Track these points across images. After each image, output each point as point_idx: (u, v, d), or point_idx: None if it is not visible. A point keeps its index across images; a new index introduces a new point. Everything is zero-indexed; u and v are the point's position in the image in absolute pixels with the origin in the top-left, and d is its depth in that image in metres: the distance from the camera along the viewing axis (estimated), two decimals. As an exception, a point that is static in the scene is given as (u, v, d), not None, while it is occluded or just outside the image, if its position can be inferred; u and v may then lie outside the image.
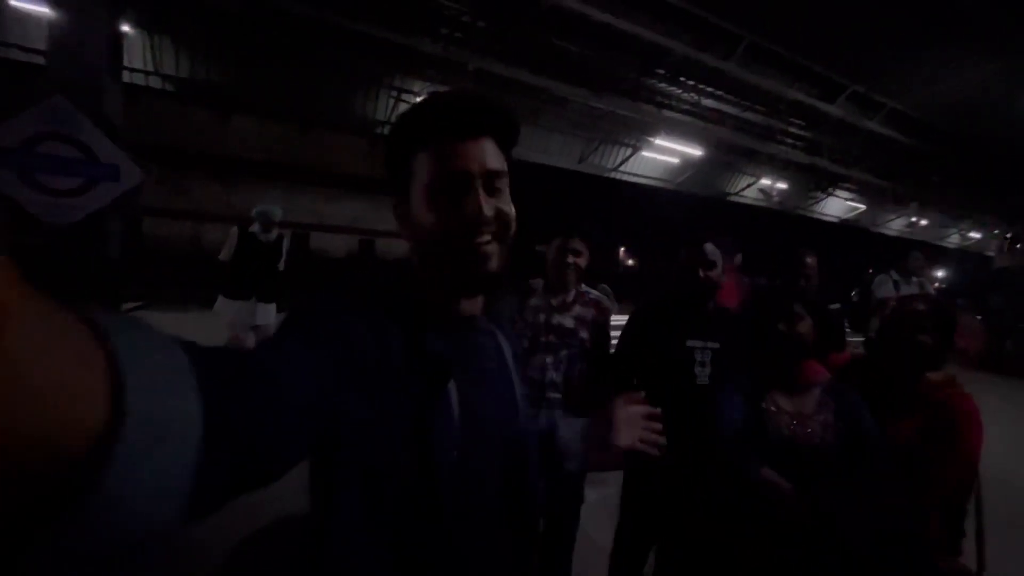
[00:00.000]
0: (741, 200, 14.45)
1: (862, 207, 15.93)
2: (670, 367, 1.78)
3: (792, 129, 10.31)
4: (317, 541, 0.61)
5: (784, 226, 16.19)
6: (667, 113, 9.33)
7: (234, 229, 4.03)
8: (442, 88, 6.40)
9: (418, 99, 0.68)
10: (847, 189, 14.65)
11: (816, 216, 16.54)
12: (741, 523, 1.47)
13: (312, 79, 8.59)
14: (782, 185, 13.11)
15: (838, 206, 16.18)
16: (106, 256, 3.66)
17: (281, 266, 4.20)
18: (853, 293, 5.18)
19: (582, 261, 2.03)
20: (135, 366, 0.30)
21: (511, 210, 0.69)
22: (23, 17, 6.03)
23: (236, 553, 2.26)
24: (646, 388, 1.78)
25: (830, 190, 14.56)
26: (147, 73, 7.58)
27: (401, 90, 9.18)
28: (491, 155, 0.66)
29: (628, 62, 7.57)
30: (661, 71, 7.91)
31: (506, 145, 0.70)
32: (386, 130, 10.06)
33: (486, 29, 6.75)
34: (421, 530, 0.60)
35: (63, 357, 0.26)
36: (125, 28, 6.17)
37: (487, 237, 0.65)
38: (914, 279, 4.60)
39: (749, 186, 13.81)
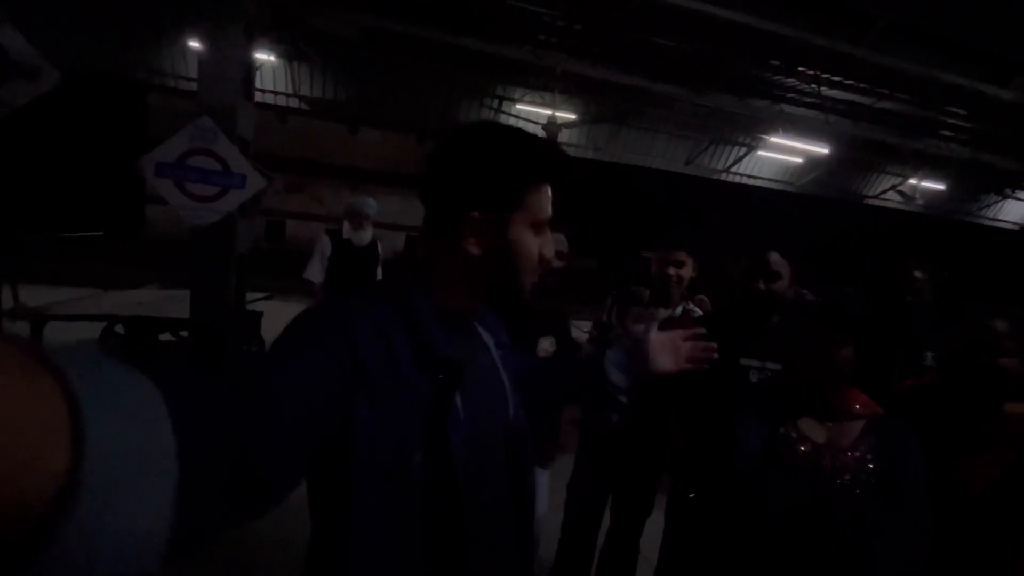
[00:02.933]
0: (881, 203, 12.55)
1: (1056, 211, 12.91)
2: (718, 388, 1.62)
3: (950, 120, 8.72)
4: (334, 549, 0.62)
5: (940, 234, 13.69)
6: (784, 107, 8.47)
7: (324, 238, 3.70)
8: (540, 95, 6.55)
9: (532, 132, 0.80)
10: (1034, 190, 11.99)
11: (988, 222, 13.75)
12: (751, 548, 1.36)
13: (424, 93, 9.30)
14: (936, 186, 11.11)
15: (1021, 210, 13.29)
16: (236, 253, 4.33)
17: (379, 274, 3.85)
18: None
19: (686, 272, 1.98)
20: (97, 405, 0.28)
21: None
22: (192, 52, 7.43)
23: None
24: (691, 411, 1.70)
25: (1008, 191, 12.01)
26: (288, 95, 8.82)
27: (503, 98, 9.53)
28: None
29: (734, 54, 7.02)
30: (775, 62, 7.21)
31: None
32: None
33: (580, 32, 6.75)
34: (440, 529, 0.63)
35: (17, 396, 0.24)
36: (270, 58, 7.30)
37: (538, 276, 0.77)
38: None
39: (892, 188, 11.94)
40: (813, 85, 7.65)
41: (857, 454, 1.27)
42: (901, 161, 10.64)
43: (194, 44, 6.71)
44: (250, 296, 4.98)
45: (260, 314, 5.11)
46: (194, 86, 7.88)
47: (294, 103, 9.02)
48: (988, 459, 1.26)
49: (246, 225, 4.54)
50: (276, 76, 8.34)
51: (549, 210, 0.75)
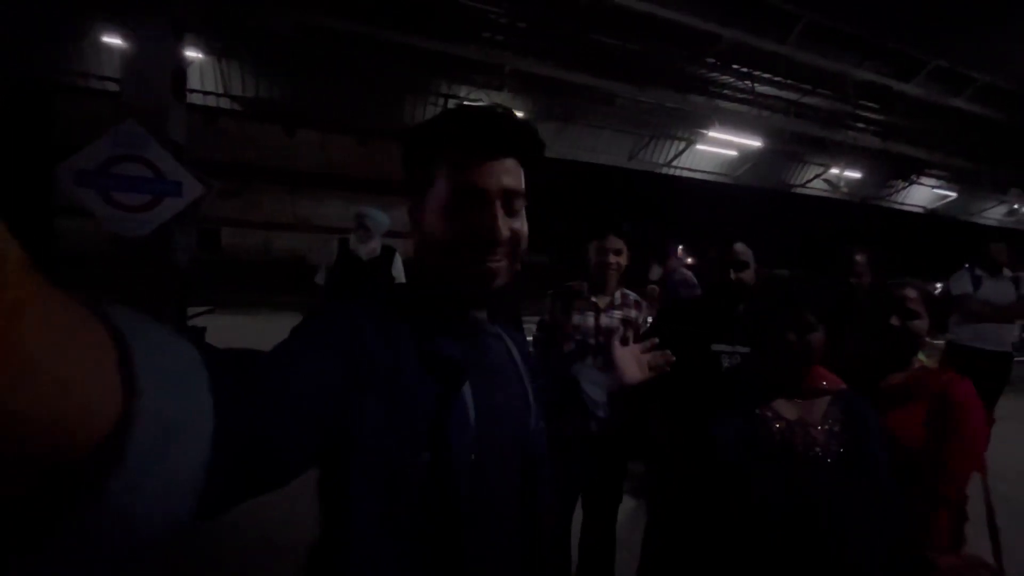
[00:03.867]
0: (809, 192, 13.50)
1: (953, 195, 14.36)
2: (692, 372, 1.72)
3: (864, 113, 9.50)
4: (333, 549, 0.61)
5: (858, 218, 14.93)
6: (720, 103, 8.90)
7: (333, 243, 3.54)
8: (487, 93, 6.51)
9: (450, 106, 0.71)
10: (935, 176, 13.26)
11: (897, 207, 15.12)
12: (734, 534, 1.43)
13: (366, 92, 9.00)
14: (854, 174, 12.09)
15: (924, 195, 14.69)
16: (174, 265, 4.01)
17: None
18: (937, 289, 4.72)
19: (623, 260, 2.04)
20: (148, 364, 0.30)
21: (525, 230, 0.70)
22: (107, 49, 6.78)
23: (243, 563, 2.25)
24: (668, 395, 1.74)
25: (912, 177, 13.24)
26: (218, 95, 8.27)
27: (448, 96, 9.40)
28: (512, 175, 0.67)
29: (674, 52, 7.30)
30: (711, 59, 7.56)
31: (529, 165, 0.71)
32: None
33: (526, 30, 6.77)
34: (439, 533, 0.60)
35: (77, 352, 0.26)
36: (198, 55, 6.80)
37: (498, 256, 0.66)
38: (1006, 273, 4.08)
39: (817, 177, 12.87)
40: (746, 82, 8.09)
41: (825, 428, 1.36)
42: (824, 152, 11.47)
43: (111, 40, 6.12)
44: (191, 311, 4.65)
45: (203, 329, 4.77)
46: (110, 86, 7.26)
47: (225, 104, 8.46)
48: (911, 409, 1.37)
49: (184, 235, 4.22)
50: (204, 75, 7.78)
51: (481, 179, 0.64)
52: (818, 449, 1.29)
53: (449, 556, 0.61)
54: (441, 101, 9.50)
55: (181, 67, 4.38)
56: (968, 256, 4.16)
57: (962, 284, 4.06)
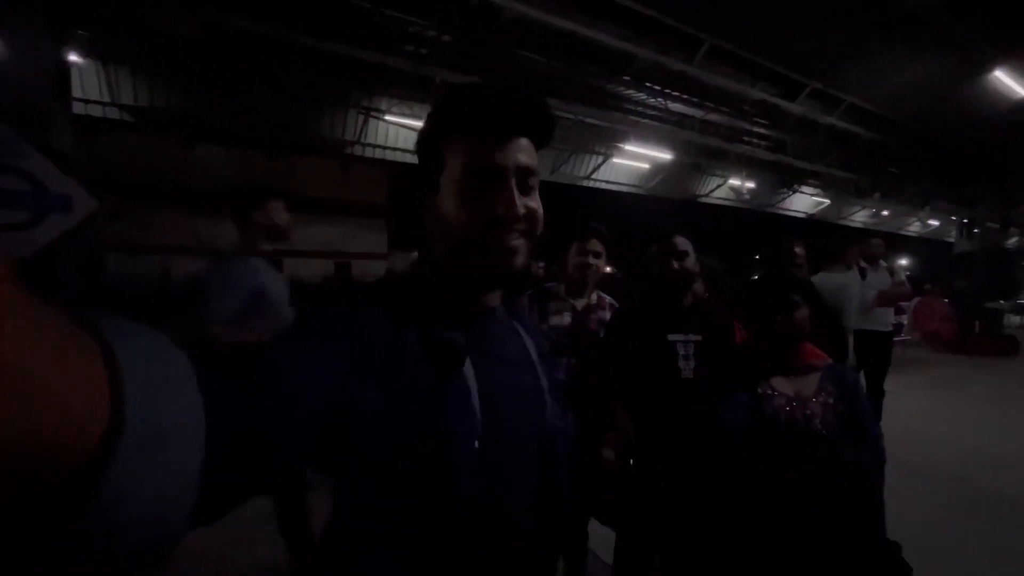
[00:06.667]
0: (712, 201, 14.73)
1: (827, 201, 16.41)
2: (654, 364, 1.75)
3: (757, 128, 10.58)
4: (338, 541, 0.60)
5: (754, 224, 16.55)
6: (635, 119, 9.46)
7: None
8: (410, 106, 6.35)
9: (458, 88, 0.68)
10: (812, 185, 15.08)
11: (783, 212, 16.98)
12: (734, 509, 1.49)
13: (277, 103, 8.44)
14: (750, 184, 13.41)
15: (804, 201, 16.64)
16: (60, 293, 3.43)
17: None
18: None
19: (601, 263, 2.08)
20: (136, 372, 0.30)
21: (541, 208, 0.69)
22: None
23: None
24: (632, 387, 1.76)
25: (795, 186, 14.95)
26: (104, 104, 7.33)
27: (370, 109, 9.09)
28: (526, 152, 0.67)
29: (594, 70, 7.66)
30: (627, 78, 8.02)
31: (541, 143, 0.71)
32: (355, 150, 10.01)
33: (451, 43, 6.75)
34: (442, 523, 0.58)
35: (61, 360, 0.25)
36: (77, 58, 5.98)
37: (516, 234, 0.65)
38: (882, 264, 4.73)
39: (719, 187, 14.09)
40: (659, 99, 8.68)
41: (820, 400, 1.48)
42: (725, 164, 12.60)
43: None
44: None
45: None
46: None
47: (112, 113, 7.50)
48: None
49: (73, 261, 3.63)
50: (86, 80, 6.85)
51: (495, 157, 0.64)
52: (817, 421, 1.39)
53: (453, 547, 0.59)
54: (362, 113, 9.17)
55: (64, 68, 3.82)
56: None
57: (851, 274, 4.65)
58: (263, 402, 0.45)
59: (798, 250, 2.75)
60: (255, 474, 0.43)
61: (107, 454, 0.27)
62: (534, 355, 0.78)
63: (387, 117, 8.97)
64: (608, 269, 2.30)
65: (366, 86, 8.27)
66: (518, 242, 0.66)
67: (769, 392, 1.49)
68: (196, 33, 6.06)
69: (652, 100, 9.03)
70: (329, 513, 0.62)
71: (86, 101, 7.00)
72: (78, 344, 0.27)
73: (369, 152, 9.98)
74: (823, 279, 3.75)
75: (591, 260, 2.05)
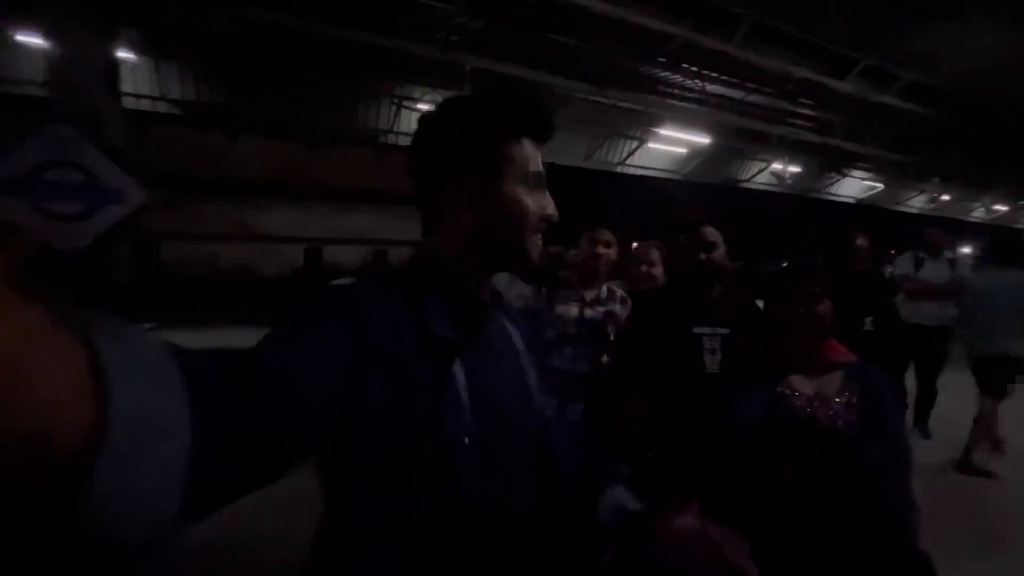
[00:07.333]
0: (753, 186, 14.16)
1: (880, 186, 15.48)
2: (677, 357, 1.67)
3: (802, 109, 10.06)
4: (337, 535, 0.60)
5: (798, 210, 15.83)
6: (671, 102, 9.17)
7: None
8: (441, 94, 6.43)
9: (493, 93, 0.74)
10: (864, 168, 14.24)
11: (831, 198, 16.14)
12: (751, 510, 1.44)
13: (314, 95, 8.66)
14: (795, 168, 12.79)
15: (854, 186, 15.76)
16: (114, 280, 3.67)
17: None
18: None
19: (613, 253, 2.06)
20: (119, 367, 0.30)
21: None
22: (27, 51, 6.18)
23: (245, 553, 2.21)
24: (654, 380, 1.71)
25: (845, 170, 14.17)
26: (154, 99, 7.71)
27: (402, 98, 9.19)
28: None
29: (628, 52, 7.45)
30: (662, 59, 7.77)
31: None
32: (390, 139, 10.16)
33: (482, 29, 6.71)
34: (441, 515, 0.59)
35: (45, 357, 0.25)
36: (129, 55, 6.31)
37: (543, 234, 0.74)
38: (945, 253, 4.38)
39: (761, 171, 13.52)
40: (696, 81, 8.37)
41: (843, 400, 1.39)
42: (767, 147, 12.06)
43: (27, 39, 5.55)
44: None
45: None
46: (31, 90, 6.58)
47: (162, 108, 7.90)
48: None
49: (126, 249, 3.88)
50: (138, 77, 7.23)
51: (538, 165, 0.72)
52: (840, 421, 1.31)
53: (454, 542, 0.60)
54: (395, 102, 9.28)
55: (114, 65, 4.04)
56: (897, 244, 4.38)
57: (904, 265, 4.34)
58: (261, 393, 0.45)
59: (860, 242, 2.38)
60: (253, 466, 0.43)
61: (92, 452, 0.27)
62: (519, 345, 0.79)
63: (419, 106, 9.05)
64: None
65: (399, 76, 8.36)
66: (540, 242, 0.74)
67: (787, 392, 1.44)
68: (236, 30, 6.26)
69: (689, 82, 8.72)
70: (327, 503, 0.62)
71: (138, 96, 7.39)
72: (60, 340, 0.27)
73: (403, 140, 10.12)
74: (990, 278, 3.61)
75: (601, 250, 2.03)
